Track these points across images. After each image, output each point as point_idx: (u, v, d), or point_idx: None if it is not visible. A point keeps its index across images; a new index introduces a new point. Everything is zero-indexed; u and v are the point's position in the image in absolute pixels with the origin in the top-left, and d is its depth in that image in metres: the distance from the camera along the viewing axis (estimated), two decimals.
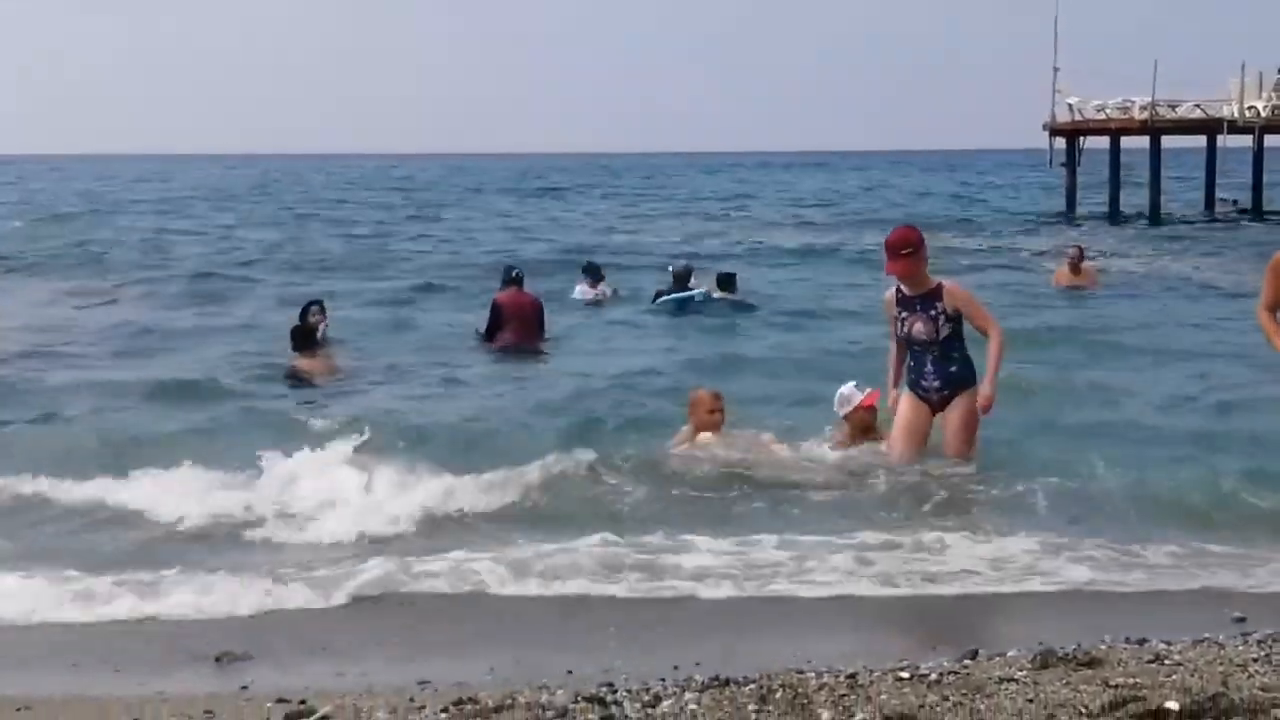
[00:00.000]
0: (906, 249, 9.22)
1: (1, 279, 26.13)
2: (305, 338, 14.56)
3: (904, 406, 9.48)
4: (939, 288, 9.33)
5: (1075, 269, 22.73)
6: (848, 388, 9.99)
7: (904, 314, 9.36)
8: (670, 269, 20.65)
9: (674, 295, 19.56)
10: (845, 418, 9.96)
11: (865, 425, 9.88)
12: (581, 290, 21.20)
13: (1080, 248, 24.00)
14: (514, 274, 16.88)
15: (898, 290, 9.40)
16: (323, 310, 16.00)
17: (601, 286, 21.35)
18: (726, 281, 21.23)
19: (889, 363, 9.65)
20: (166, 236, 38.09)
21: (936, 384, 9.34)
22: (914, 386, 9.45)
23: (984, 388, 9.21)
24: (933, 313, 9.23)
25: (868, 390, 9.87)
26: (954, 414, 9.36)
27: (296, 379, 14.02)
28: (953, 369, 9.32)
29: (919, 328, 9.28)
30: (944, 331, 9.25)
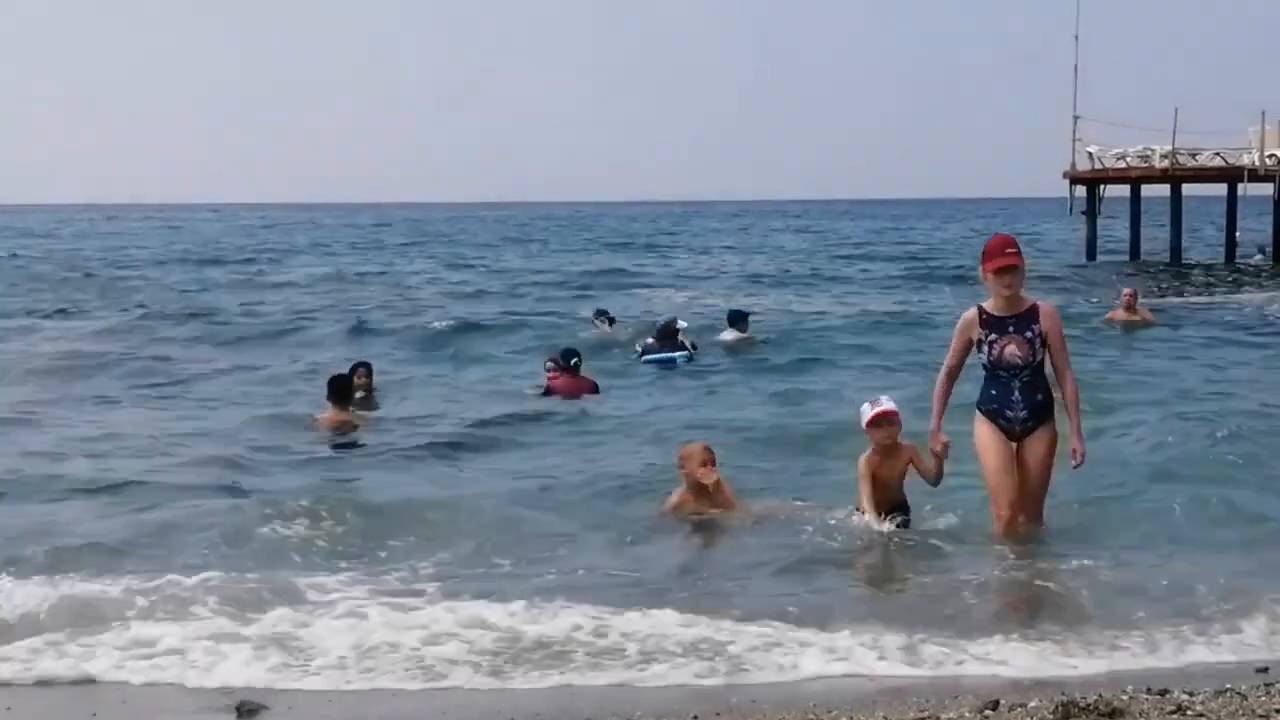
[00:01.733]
0: (1012, 248, 8.57)
1: None
2: (342, 391, 14.06)
3: (990, 446, 8.66)
4: (1035, 308, 8.66)
5: (1130, 309, 24.33)
6: (865, 405, 9.32)
7: (992, 336, 8.58)
8: (657, 323, 20.50)
9: (655, 356, 19.21)
10: (866, 431, 9.24)
11: (885, 445, 9.13)
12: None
13: (1134, 290, 25.57)
14: (573, 361, 16.56)
15: (981, 311, 8.67)
16: (369, 373, 15.92)
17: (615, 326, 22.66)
18: (738, 319, 21.50)
19: (935, 397, 8.80)
20: None
21: (1023, 414, 8.60)
22: (996, 417, 8.66)
23: (1078, 442, 8.62)
24: (1029, 334, 8.54)
25: (878, 409, 9.13)
26: (1037, 449, 8.63)
27: (325, 430, 13.75)
28: (1039, 397, 8.62)
29: (1012, 350, 8.55)
30: (1039, 355, 8.56)
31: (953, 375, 8.81)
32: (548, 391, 16.31)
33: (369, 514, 9.88)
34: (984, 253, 8.66)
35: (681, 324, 20.24)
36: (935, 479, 9.12)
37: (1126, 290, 25.38)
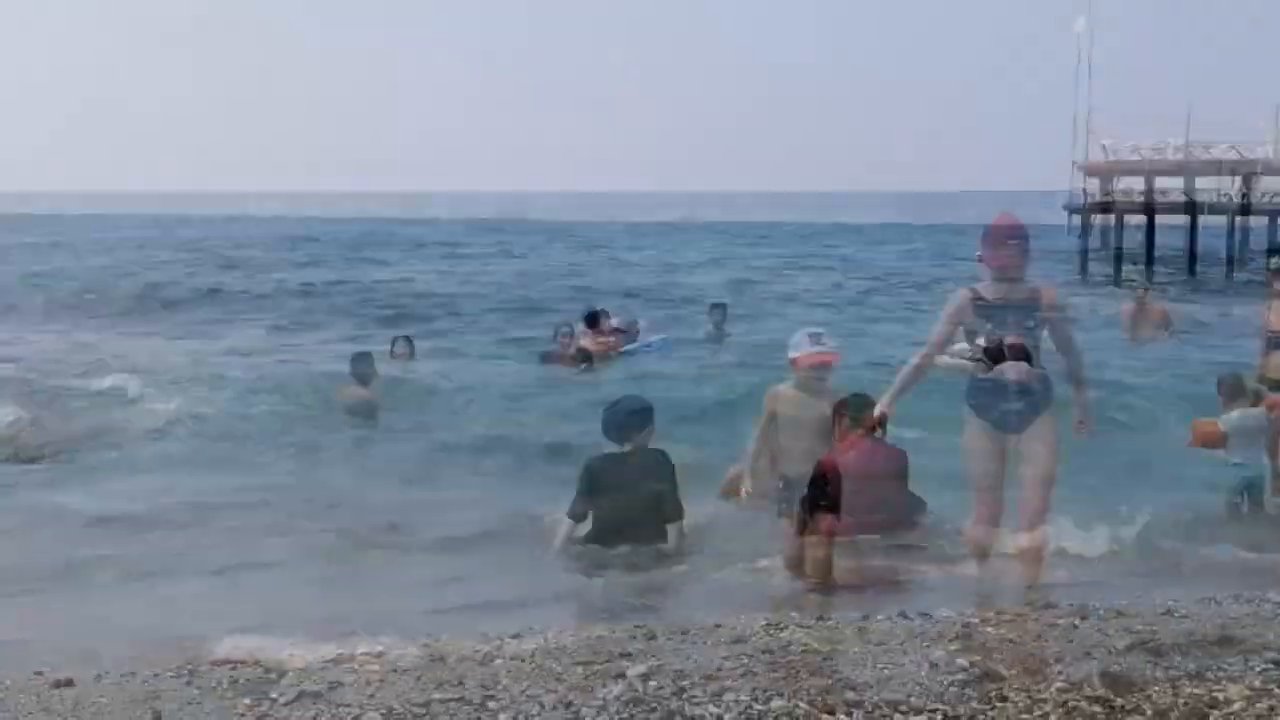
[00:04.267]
0: (1015, 238, 7.69)
1: None
2: (359, 370, 14.91)
3: (976, 448, 7.78)
4: (1038, 291, 7.78)
5: (1141, 307, 21.78)
6: (799, 334, 8.44)
7: (989, 326, 7.66)
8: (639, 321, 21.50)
9: (633, 346, 20.31)
10: (791, 363, 8.38)
11: (809, 384, 8.26)
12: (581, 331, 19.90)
13: (1146, 288, 23.17)
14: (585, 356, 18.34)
15: (976, 294, 7.75)
16: (409, 344, 17.92)
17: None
18: (715, 310, 22.63)
19: (899, 376, 7.90)
20: None
21: (1019, 406, 7.67)
22: (987, 411, 7.71)
23: (1083, 414, 7.97)
24: (1030, 323, 7.68)
25: (818, 348, 8.25)
26: (1036, 445, 7.71)
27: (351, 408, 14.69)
28: (1035, 386, 7.70)
29: (1011, 343, 7.64)
30: (1038, 344, 7.74)
31: (926, 367, 7.94)
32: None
33: None
34: (985, 238, 7.81)
35: (641, 323, 21.18)
36: None
37: (1137, 291, 22.58)
